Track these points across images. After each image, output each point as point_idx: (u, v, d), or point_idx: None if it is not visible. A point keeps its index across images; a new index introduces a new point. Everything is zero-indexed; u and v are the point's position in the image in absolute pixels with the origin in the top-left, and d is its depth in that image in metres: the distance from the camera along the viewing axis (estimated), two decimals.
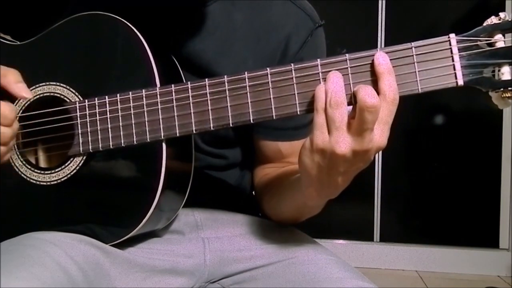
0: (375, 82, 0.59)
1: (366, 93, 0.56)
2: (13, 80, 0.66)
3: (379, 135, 0.58)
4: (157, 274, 0.74)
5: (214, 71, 0.79)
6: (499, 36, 0.58)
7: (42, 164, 0.75)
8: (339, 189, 0.65)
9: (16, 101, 0.71)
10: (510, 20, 0.57)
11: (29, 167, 0.72)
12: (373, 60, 0.59)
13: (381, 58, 0.58)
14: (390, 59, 0.59)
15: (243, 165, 0.91)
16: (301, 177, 0.66)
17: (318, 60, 0.61)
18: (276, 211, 0.83)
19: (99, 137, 0.68)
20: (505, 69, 0.57)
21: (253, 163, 0.91)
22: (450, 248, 2.60)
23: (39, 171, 0.72)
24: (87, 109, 0.69)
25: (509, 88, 0.57)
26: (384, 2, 2.63)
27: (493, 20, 0.58)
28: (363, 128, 0.56)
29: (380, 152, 2.64)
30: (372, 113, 0.56)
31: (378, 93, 0.57)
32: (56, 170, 0.71)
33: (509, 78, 0.57)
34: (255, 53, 0.81)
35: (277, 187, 0.80)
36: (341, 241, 2.70)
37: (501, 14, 0.57)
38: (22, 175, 0.72)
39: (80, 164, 0.70)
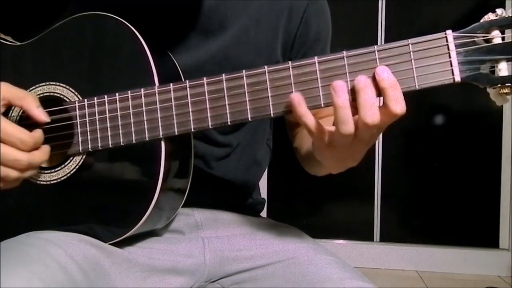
0: (372, 79, 0.59)
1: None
2: (34, 104, 0.67)
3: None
4: (157, 273, 0.74)
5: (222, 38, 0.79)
6: (496, 32, 0.58)
7: (42, 163, 0.75)
8: (361, 155, 0.67)
9: (13, 106, 0.71)
10: (507, 16, 0.57)
11: None
12: (374, 74, 0.59)
13: (384, 72, 0.59)
14: (388, 56, 0.59)
15: (246, 154, 0.90)
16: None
17: (316, 57, 0.61)
18: (318, 173, 0.85)
19: (98, 136, 0.69)
20: (502, 65, 0.57)
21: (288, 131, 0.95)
22: (450, 248, 2.60)
23: (38, 170, 0.72)
24: (86, 108, 0.69)
25: (507, 84, 0.57)
26: (384, 2, 2.63)
27: (490, 16, 0.58)
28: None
29: (380, 152, 2.64)
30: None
31: (383, 106, 0.58)
32: (56, 169, 0.71)
33: (506, 74, 0.57)
34: (257, 20, 0.81)
35: (310, 159, 0.81)
36: (341, 241, 2.70)
37: (498, 11, 0.57)
38: None
39: (79, 164, 0.70)
